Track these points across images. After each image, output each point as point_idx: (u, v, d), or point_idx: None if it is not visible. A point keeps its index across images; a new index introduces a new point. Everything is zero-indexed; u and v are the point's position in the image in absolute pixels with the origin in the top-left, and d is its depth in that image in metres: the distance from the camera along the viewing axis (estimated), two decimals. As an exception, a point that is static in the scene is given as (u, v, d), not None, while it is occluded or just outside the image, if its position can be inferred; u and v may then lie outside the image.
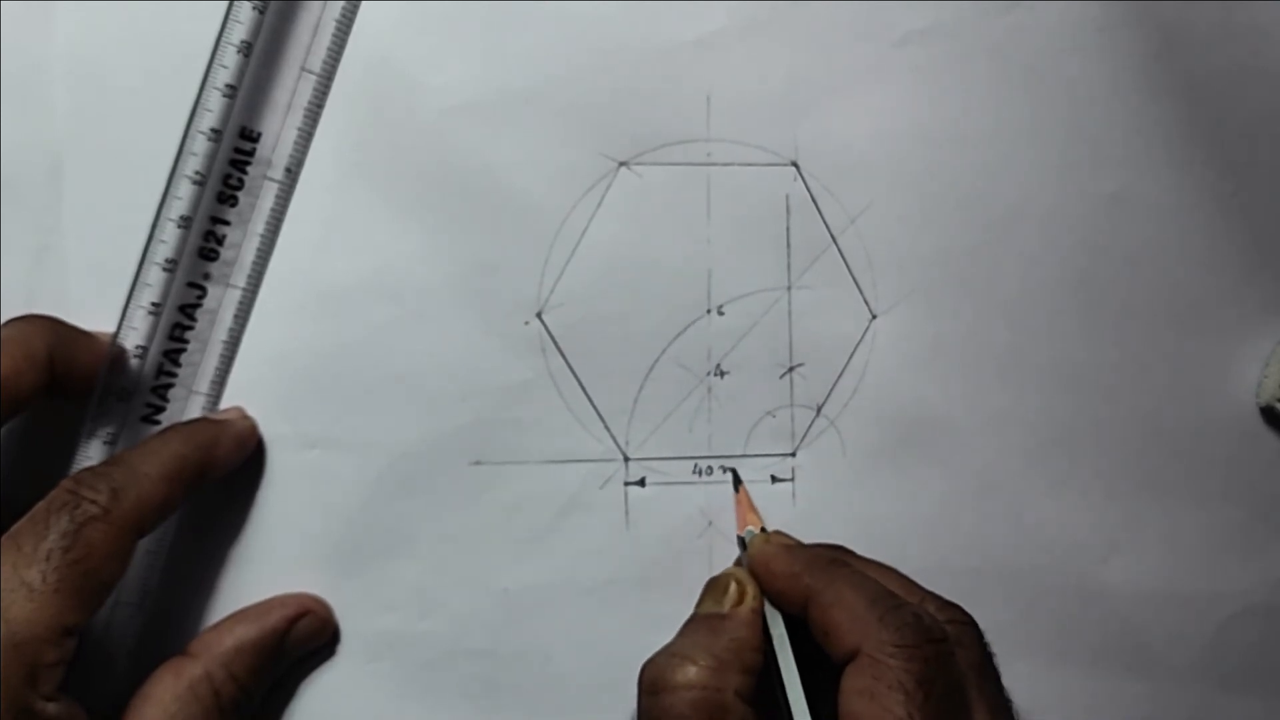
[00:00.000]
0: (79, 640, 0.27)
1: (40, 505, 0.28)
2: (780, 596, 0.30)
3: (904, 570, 0.35)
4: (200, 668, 0.30)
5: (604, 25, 0.34)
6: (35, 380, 0.29)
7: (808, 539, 0.34)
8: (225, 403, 0.33)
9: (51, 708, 0.26)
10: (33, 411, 0.30)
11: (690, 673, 0.28)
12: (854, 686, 0.27)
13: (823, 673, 0.29)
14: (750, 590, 0.31)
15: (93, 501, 0.28)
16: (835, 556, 0.31)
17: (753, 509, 0.34)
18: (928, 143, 0.35)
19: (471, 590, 0.34)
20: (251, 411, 0.33)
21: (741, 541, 0.33)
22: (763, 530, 0.33)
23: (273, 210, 0.33)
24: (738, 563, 0.34)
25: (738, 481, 0.35)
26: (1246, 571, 0.36)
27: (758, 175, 0.35)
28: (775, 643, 0.30)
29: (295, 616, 0.32)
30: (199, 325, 0.33)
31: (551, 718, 0.34)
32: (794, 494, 0.35)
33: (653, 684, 0.29)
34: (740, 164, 0.35)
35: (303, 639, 0.32)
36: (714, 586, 0.31)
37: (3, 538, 0.27)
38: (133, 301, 0.32)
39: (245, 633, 0.31)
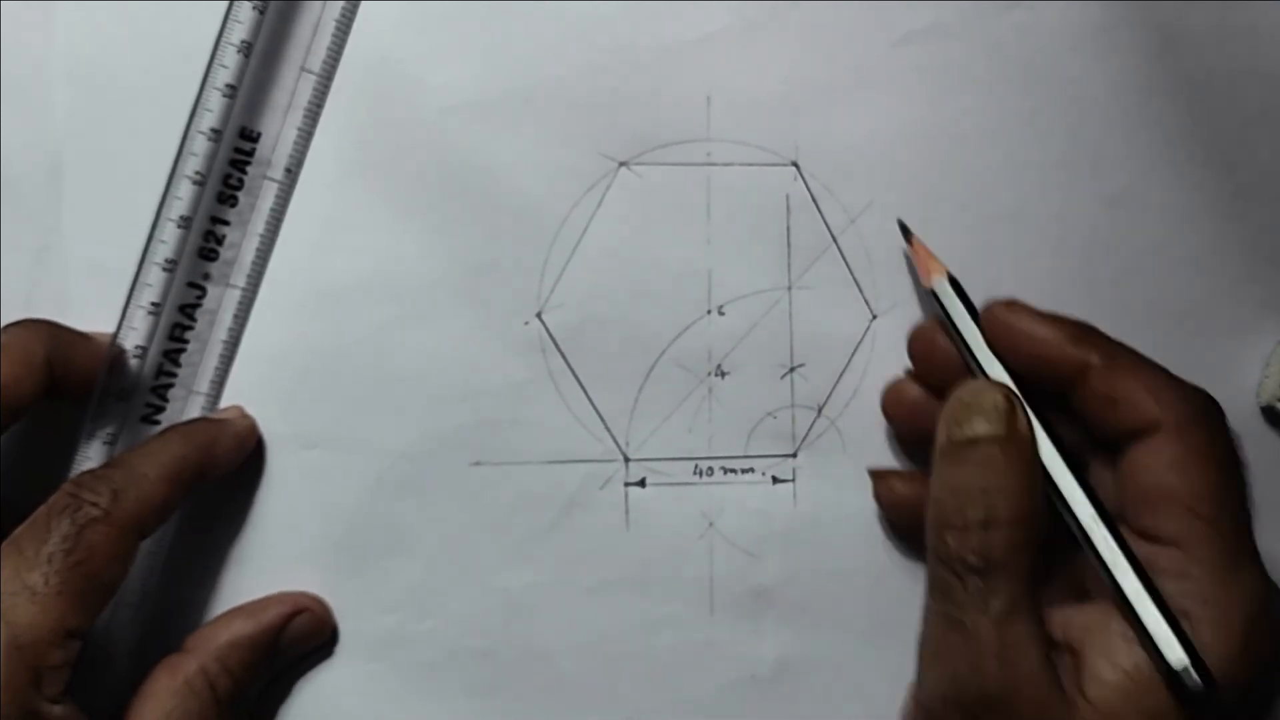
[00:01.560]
0: (82, 642, 0.27)
1: (41, 509, 0.28)
2: (1033, 365, 0.28)
3: (905, 571, 0.35)
4: (195, 662, 0.30)
5: (604, 25, 0.34)
6: (34, 386, 0.29)
7: (809, 540, 0.34)
8: (225, 402, 0.33)
9: (57, 710, 0.26)
10: (32, 412, 0.30)
11: (999, 509, 0.26)
12: (1162, 460, 0.27)
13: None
14: (1019, 406, 0.28)
15: (93, 504, 0.28)
16: (1088, 325, 0.29)
17: (934, 256, 0.31)
18: (928, 143, 0.35)
19: (471, 590, 0.34)
20: (251, 411, 0.33)
21: (937, 299, 0.31)
22: (953, 279, 0.30)
23: (272, 210, 0.33)
24: (937, 326, 0.31)
25: (907, 232, 0.32)
26: (1246, 571, 0.36)
27: (758, 175, 0.35)
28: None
29: (291, 614, 0.32)
30: (199, 325, 0.33)
31: (551, 718, 0.34)
32: (795, 495, 0.35)
33: (947, 520, 0.27)
34: (740, 164, 0.35)
35: (299, 637, 0.32)
36: (975, 405, 0.28)
37: (4, 542, 0.27)
38: (132, 301, 0.32)
39: (240, 628, 0.31)
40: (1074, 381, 0.28)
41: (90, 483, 0.28)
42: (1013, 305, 0.30)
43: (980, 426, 0.28)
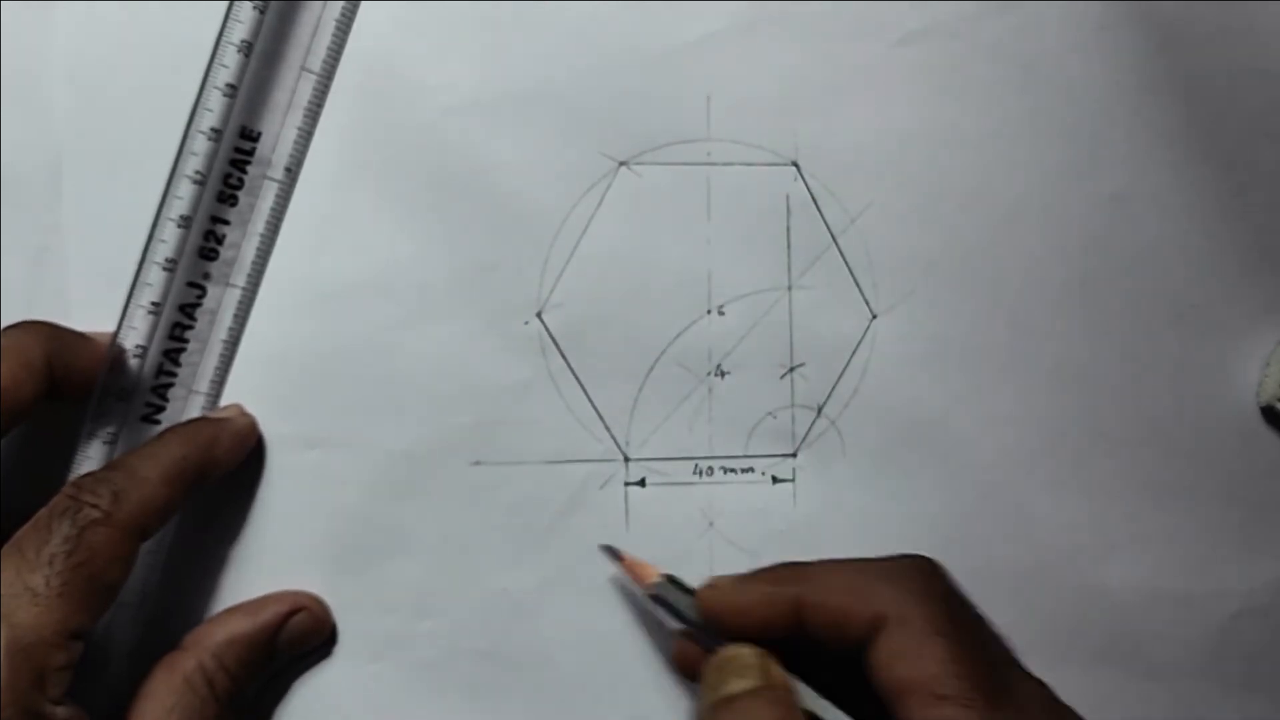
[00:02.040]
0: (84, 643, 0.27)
1: (42, 511, 0.28)
2: (761, 627, 0.29)
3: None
4: (192, 660, 0.30)
5: (604, 25, 0.34)
6: (35, 389, 0.29)
7: (809, 539, 0.35)
8: (225, 403, 0.33)
9: (60, 711, 0.26)
10: (33, 414, 0.30)
11: None
12: (890, 654, 0.27)
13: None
14: (771, 658, 0.29)
15: (94, 505, 0.28)
16: (788, 563, 0.30)
17: (643, 563, 0.32)
18: (928, 143, 0.35)
19: (471, 590, 0.34)
20: (251, 411, 0.33)
21: (659, 600, 0.31)
22: (668, 577, 0.32)
23: (272, 210, 0.33)
24: (684, 633, 0.31)
25: (615, 554, 0.33)
26: (1246, 571, 0.36)
27: (758, 175, 0.35)
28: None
29: (289, 612, 0.32)
30: (199, 325, 0.33)
31: (551, 718, 0.34)
32: (795, 495, 0.35)
33: None
34: (740, 164, 0.35)
35: (297, 636, 0.32)
36: (729, 666, 0.29)
37: (6, 544, 0.27)
38: (133, 301, 0.32)
39: (238, 626, 0.31)
40: (800, 623, 0.28)
41: (91, 484, 0.28)
42: (712, 585, 0.30)
43: (736, 684, 0.28)
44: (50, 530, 0.27)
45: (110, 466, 0.29)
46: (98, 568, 0.27)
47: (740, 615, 0.29)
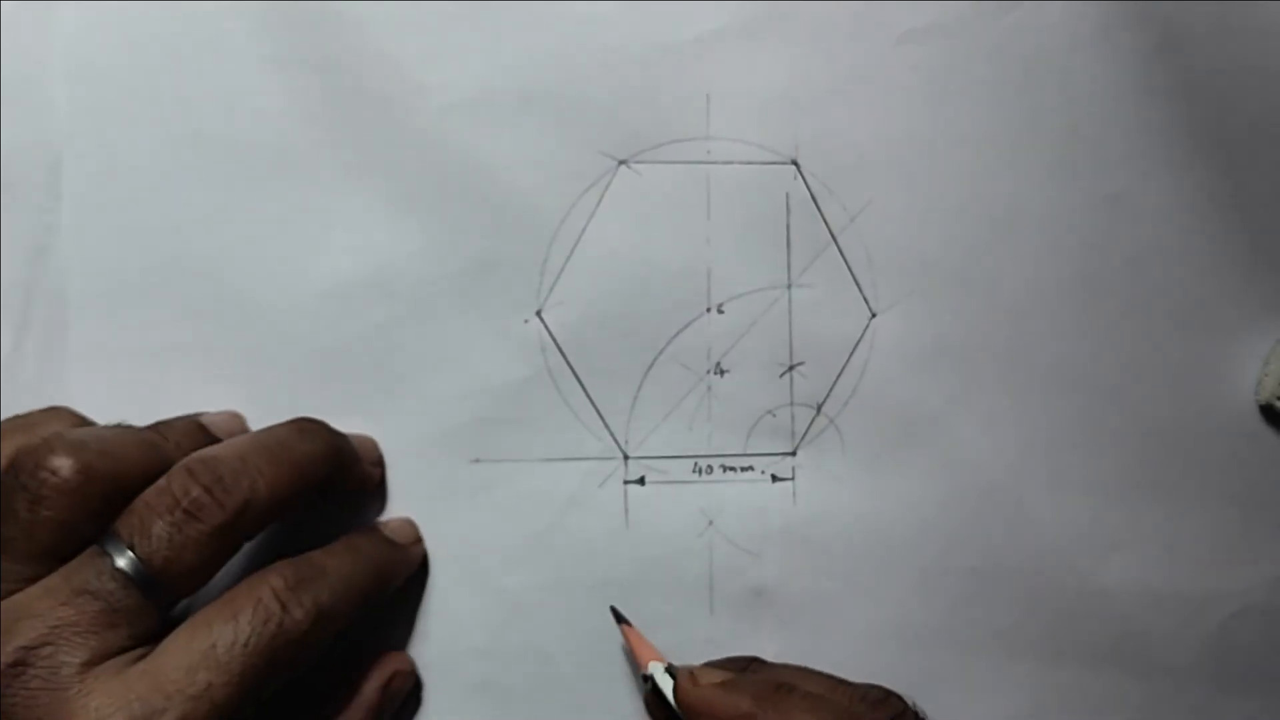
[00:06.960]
0: None
1: (242, 597, 0.28)
2: None
3: (905, 571, 0.35)
4: None
5: (604, 25, 0.34)
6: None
7: (809, 538, 0.34)
8: (227, 404, 0.33)
9: None
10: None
11: None
12: None
13: None
14: None
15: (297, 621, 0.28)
16: (775, 680, 0.30)
17: (647, 643, 0.33)
18: (928, 143, 0.35)
19: (471, 590, 0.34)
20: (252, 411, 0.33)
21: (648, 680, 0.32)
22: (669, 667, 0.32)
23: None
24: (649, 702, 0.32)
25: (620, 618, 0.33)
26: (1246, 571, 0.36)
27: (758, 174, 0.35)
28: None
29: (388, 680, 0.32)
30: None
31: (551, 718, 0.34)
32: (794, 493, 0.35)
33: None
34: (740, 162, 0.35)
35: (396, 696, 0.33)
36: None
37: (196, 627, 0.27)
38: None
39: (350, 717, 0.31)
40: None
41: (296, 588, 0.29)
42: (693, 680, 0.31)
43: None
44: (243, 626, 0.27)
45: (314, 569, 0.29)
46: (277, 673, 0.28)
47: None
